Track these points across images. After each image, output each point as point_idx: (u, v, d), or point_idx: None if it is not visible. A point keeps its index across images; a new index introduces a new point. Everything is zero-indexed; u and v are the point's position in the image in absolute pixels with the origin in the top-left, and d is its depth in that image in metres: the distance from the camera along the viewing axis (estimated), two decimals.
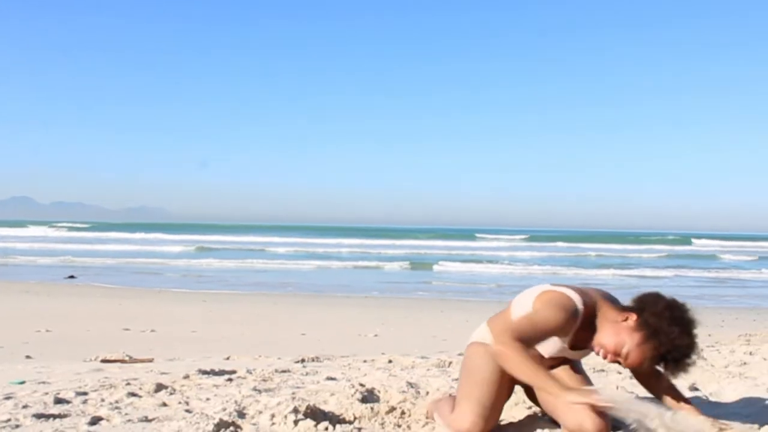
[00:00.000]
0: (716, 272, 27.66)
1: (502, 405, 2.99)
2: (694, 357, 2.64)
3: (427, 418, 3.16)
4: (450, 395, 3.28)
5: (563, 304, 2.71)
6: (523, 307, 2.77)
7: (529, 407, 3.25)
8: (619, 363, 2.70)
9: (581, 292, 2.77)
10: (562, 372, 2.94)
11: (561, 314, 2.70)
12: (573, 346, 2.83)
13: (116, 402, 3.58)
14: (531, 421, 3.13)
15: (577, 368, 2.99)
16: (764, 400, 3.25)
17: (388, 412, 3.21)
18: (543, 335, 2.71)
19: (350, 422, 3.11)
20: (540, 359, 2.87)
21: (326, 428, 2.94)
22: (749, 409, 3.10)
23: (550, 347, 2.84)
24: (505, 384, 2.93)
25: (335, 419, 3.12)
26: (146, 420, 3.16)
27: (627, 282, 22.07)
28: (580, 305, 2.71)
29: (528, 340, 2.67)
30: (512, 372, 2.64)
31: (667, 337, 2.60)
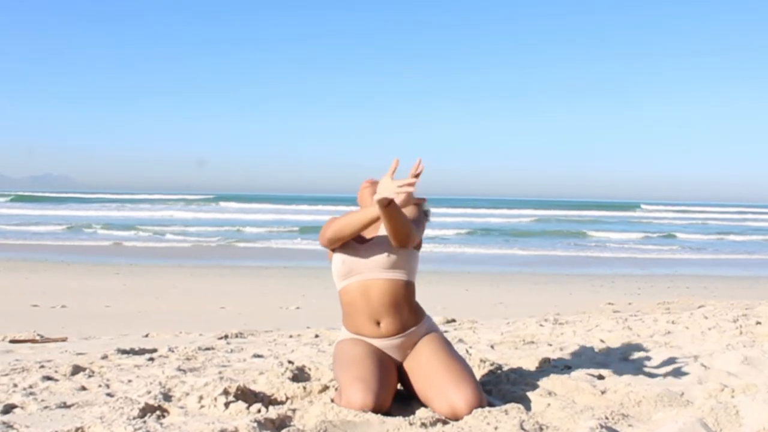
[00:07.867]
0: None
1: (387, 375, 2.89)
2: None
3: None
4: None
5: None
6: None
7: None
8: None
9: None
10: None
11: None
12: (361, 240, 3.09)
13: (30, 387, 3.36)
14: None
15: None
16: (693, 370, 3.33)
17: (321, 391, 3.14)
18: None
19: (282, 403, 3.01)
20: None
21: (259, 410, 2.83)
22: (681, 379, 3.17)
23: None
24: (376, 354, 2.95)
25: (267, 400, 3.03)
26: (65, 406, 2.97)
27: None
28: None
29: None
30: (348, 231, 2.94)
31: None
